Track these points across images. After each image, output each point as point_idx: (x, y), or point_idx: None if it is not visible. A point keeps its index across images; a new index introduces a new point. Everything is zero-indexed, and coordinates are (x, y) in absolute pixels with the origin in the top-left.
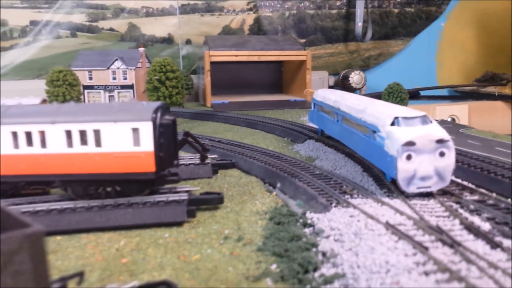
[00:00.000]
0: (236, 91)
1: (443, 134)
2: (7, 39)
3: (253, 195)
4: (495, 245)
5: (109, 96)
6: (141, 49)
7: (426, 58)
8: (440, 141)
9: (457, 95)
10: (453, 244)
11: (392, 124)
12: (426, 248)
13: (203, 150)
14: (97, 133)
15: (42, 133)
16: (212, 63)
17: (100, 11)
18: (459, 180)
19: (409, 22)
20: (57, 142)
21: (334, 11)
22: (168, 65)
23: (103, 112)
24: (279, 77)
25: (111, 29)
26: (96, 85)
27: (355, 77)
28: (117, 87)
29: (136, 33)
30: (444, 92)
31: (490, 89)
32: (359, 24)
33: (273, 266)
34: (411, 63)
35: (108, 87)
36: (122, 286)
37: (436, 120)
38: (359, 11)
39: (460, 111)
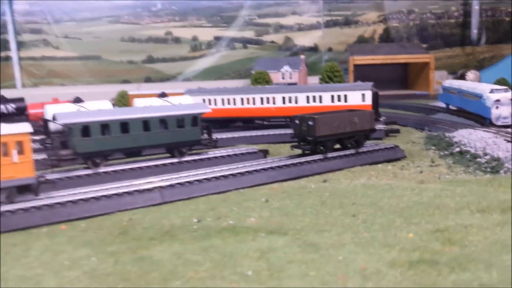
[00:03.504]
0: None
1: None
2: (197, 50)
3: (412, 133)
4: None
5: None
6: (302, 56)
7: None
8: None
9: None
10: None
11: (490, 92)
12: (497, 133)
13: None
14: (345, 96)
15: (320, 97)
16: (354, 65)
17: (264, 28)
18: None
19: None
20: (327, 100)
21: (452, 20)
22: (335, 67)
23: (349, 88)
24: (404, 76)
25: (272, 42)
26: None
27: (470, 76)
28: (285, 84)
29: (290, 44)
30: None
31: None
32: (474, 31)
33: (432, 147)
34: None
35: (278, 84)
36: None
37: None
38: (474, 20)
39: None
